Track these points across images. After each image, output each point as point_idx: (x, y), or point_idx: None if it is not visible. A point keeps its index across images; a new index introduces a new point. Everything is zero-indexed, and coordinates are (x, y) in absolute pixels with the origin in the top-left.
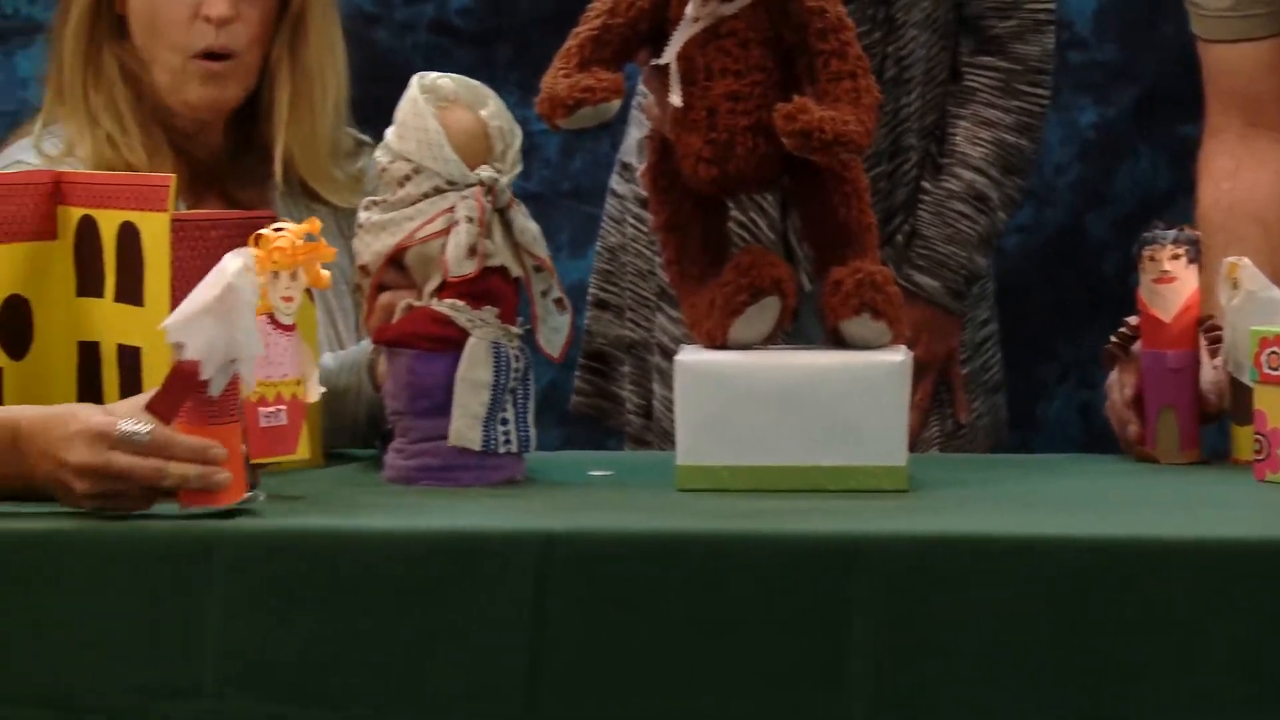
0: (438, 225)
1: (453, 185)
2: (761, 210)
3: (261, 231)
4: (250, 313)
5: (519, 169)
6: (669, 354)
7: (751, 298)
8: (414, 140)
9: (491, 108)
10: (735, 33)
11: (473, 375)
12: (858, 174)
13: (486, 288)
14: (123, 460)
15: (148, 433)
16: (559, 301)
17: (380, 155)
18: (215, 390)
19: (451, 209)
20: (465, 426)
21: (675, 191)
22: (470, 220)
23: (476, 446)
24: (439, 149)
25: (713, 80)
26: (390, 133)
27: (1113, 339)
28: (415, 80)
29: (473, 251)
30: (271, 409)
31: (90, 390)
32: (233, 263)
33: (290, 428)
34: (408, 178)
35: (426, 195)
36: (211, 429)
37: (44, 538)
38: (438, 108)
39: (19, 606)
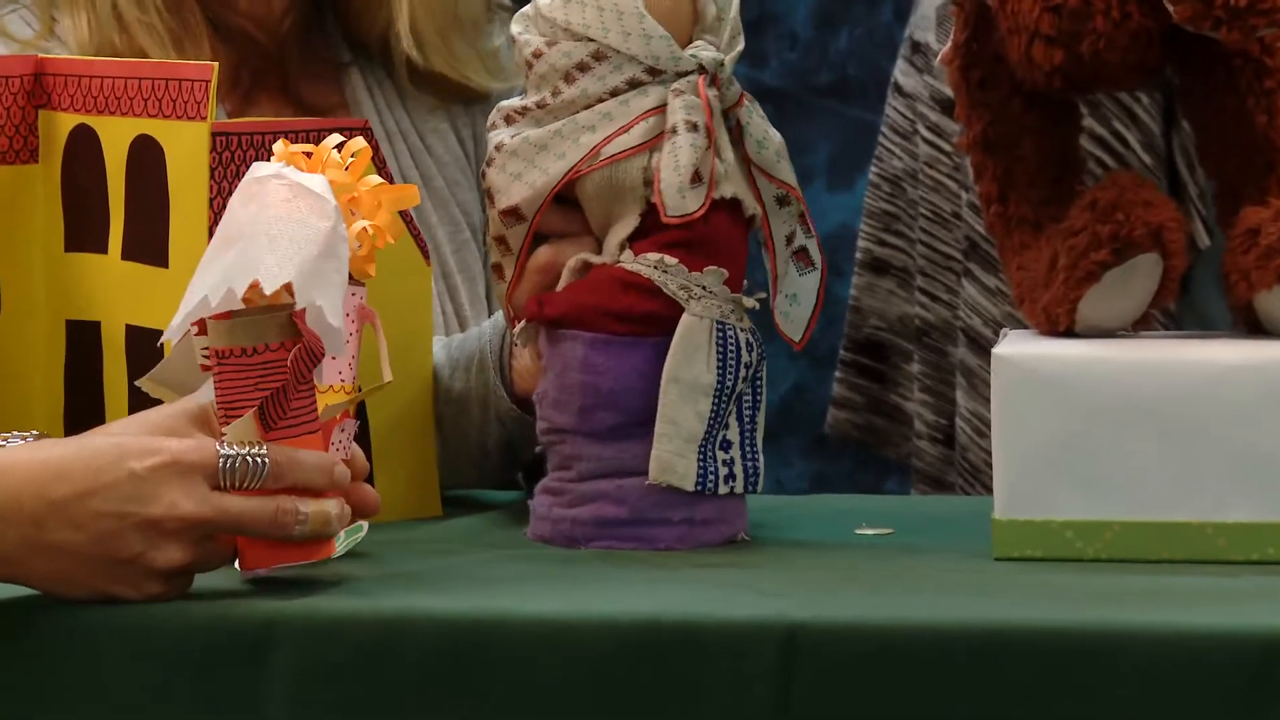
0: (635, 137)
1: (656, 75)
2: (1134, 120)
3: (290, 150)
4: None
5: (740, 46)
6: (983, 344)
7: (1115, 256)
8: (593, 6)
9: None
10: None
11: (690, 374)
12: None
13: (710, 233)
14: (236, 506)
15: (265, 454)
16: (801, 254)
17: (522, 32)
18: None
19: (659, 110)
20: (673, 453)
21: (997, 88)
22: (693, 128)
23: (689, 485)
24: (635, 19)
25: None
26: None
27: None
28: None
29: (697, 177)
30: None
31: (85, 395)
32: (322, 201)
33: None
34: (582, 67)
35: (615, 93)
36: (300, 441)
37: (48, 625)
38: None
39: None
